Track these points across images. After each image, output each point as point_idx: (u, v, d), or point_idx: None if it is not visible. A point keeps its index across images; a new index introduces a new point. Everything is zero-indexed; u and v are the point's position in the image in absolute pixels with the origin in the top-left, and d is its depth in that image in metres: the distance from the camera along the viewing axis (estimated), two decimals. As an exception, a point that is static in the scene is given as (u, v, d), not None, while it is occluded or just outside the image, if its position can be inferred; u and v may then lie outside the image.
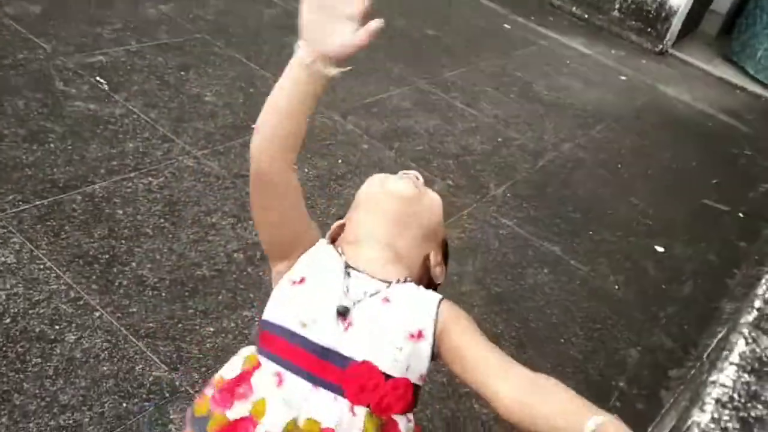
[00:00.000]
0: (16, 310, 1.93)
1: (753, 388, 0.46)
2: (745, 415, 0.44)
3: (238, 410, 1.02)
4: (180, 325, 2.04)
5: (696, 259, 3.18)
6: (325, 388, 1.02)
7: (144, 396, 1.82)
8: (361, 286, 1.09)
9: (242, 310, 2.15)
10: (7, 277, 2.01)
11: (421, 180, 1.32)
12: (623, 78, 5.13)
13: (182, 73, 3.29)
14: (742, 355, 0.48)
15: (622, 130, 4.24)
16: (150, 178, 2.56)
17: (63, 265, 2.10)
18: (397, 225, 1.20)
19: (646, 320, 2.69)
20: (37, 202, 2.29)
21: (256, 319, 2.12)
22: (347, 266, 1.12)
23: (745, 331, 0.51)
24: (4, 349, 1.82)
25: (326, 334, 1.03)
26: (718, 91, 5.50)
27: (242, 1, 4.28)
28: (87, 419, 1.72)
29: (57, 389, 1.77)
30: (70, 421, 1.70)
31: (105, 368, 1.86)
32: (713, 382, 0.45)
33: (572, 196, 3.36)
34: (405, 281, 1.14)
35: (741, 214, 3.69)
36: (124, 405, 1.78)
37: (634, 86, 5.05)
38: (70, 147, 2.57)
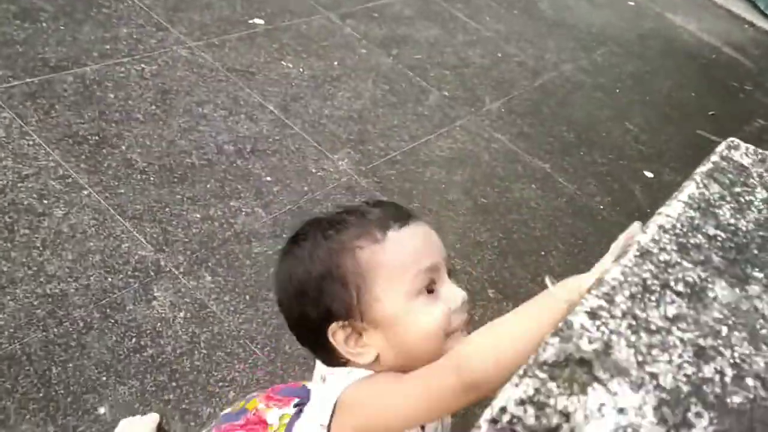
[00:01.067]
0: (4, 182, 1.94)
1: (696, 222, 0.48)
2: (684, 241, 0.46)
3: None
4: (167, 209, 2.06)
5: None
6: None
7: (129, 273, 1.86)
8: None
9: (229, 200, 2.17)
10: (-4, 149, 2.01)
11: None
12: (631, 3, 5.03)
13: (180, -38, 3.20)
14: (691, 196, 0.50)
15: (625, 55, 4.19)
16: (143, 65, 2.53)
17: (52, 142, 2.10)
18: None
19: (627, 240, 2.73)
20: (28, 80, 2.27)
21: (242, 209, 2.15)
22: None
23: (698, 178, 0.53)
24: (-8, 218, 1.84)
25: None
26: (726, 24, 5.41)
27: None
28: (73, 290, 1.76)
29: (44, 260, 1.80)
30: (57, 290, 1.75)
31: (92, 244, 1.89)
32: (659, 213, 0.47)
33: (567, 116, 3.35)
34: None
35: (733, 147, 3.69)
36: (110, 279, 1.82)
37: (641, 12, 4.96)
38: (62, 27, 2.53)
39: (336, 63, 2.99)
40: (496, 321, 0.79)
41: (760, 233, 0.50)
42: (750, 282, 0.45)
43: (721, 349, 0.39)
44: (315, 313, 0.92)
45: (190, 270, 1.92)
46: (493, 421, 0.38)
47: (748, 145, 0.58)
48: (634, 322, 0.39)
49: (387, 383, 0.89)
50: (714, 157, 0.55)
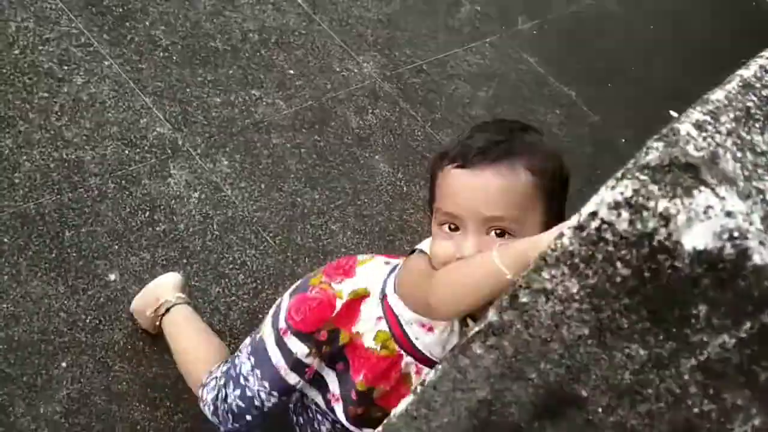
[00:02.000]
0: (25, 43, 1.90)
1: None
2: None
3: (393, 380, 1.17)
4: (188, 90, 2.02)
5: (707, 130, 3.15)
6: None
7: (146, 148, 1.83)
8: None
9: (251, 88, 2.13)
10: (18, 9, 1.95)
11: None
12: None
13: None
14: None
15: (663, -7, 4.05)
16: (172, -58, 2.44)
17: (75, 9, 2.04)
18: None
19: (645, 176, 2.70)
20: (53, -58, 2.19)
21: (263, 99, 2.11)
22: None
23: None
24: (11, 77, 1.81)
25: None
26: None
27: None
28: (89, 157, 1.75)
29: (62, 125, 1.78)
30: (73, 156, 1.73)
31: (110, 115, 1.86)
32: (761, 56, 0.44)
33: (599, 46, 3.26)
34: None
35: (762, 97, 3.62)
36: (126, 152, 1.80)
37: (684, -49, 4.77)
38: None
39: (369, -37, 2.88)
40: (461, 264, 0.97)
41: None
42: None
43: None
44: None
45: (207, 152, 1.90)
46: (580, 227, 0.36)
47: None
48: (739, 141, 0.36)
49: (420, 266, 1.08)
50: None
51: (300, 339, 1.19)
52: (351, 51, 2.43)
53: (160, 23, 2.15)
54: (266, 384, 1.23)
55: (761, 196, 0.33)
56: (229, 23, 2.28)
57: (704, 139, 0.35)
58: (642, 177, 0.34)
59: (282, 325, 1.22)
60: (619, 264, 0.35)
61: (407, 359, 1.15)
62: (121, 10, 2.12)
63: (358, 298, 1.18)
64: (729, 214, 0.32)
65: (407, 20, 2.71)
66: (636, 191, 0.33)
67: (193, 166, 1.85)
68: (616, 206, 0.34)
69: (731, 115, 0.37)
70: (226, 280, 1.67)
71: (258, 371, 1.23)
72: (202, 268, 1.67)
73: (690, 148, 0.34)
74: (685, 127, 0.35)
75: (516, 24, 3.07)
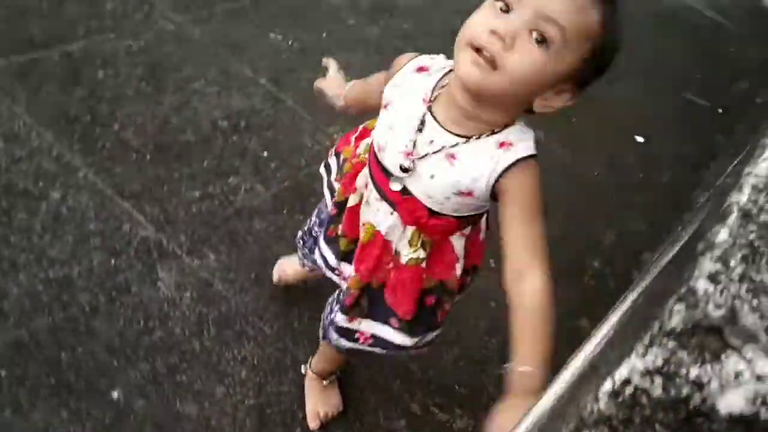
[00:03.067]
0: (-2, 165, 1.90)
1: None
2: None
3: (353, 200, 1.27)
4: (165, 188, 2.03)
5: (674, 150, 3.21)
6: (386, 203, 1.18)
7: (132, 254, 1.83)
8: (429, 140, 1.12)
9: (227, 177, 2.14)
10: (-14, 132, 1.96)
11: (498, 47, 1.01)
12: (614, -32, 5.00)
13: (160, -66, 3.12)
14: (775, 155, 0.49)
15: (610, 21, 4.17)
16: (130, 41, 2.47)
17: (44, 123, 2.05)
18: (473, 105, 1.07)
19: (622, 205, 2.74)
20: (13, 59, 2.20)
21: (241, 185, 2.12)
22: (424, 115, 1.12)
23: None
24: (-13, 202, 1.80)
25: (393, 165, 1.15)
26: (707, -13, 5.41)
27: None
28: (76, 273, 1.74)
29: (45, 244, 1.77)
30: (60, 274, 1.72)
31: (92, 226, 1.85)
32: (748, 173, 0.46)
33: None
34: (487, 135, 1.09)
35: (720, 110, 3.71)
36: (113, 261, 1.80)
37: (624, -23, 4.93)
38: (45, 3, 2.46)
39: (325, 34, 2.94)
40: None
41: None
42: None
43: (836, 310, 0.39)
44: None
45: (193, 249, 1.90)
46: (615, 394, 0.37)
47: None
48: (752, 286, 0.38)
49: None
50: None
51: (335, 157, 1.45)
52: (320, 124, 2.46)
53: (129, 125, 2.16)
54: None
55: (786, 349, 0.35)
56: (196, 115, 2.30)
57: (720, 293, 0.36)
58: (670, 344, 0.35)
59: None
60: (657, 426, 0.36)
61: (365, 170, 1.24)
62: (88, 117, 2.13)
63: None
64: (759, 378, 0.33)
65: (370, 85, 2.75)
66: (666, 360, 0.35)
67: (181, 266, 1.85)
68: (648, 373, 0.35)
69: (739, 256, 0.39)
70: (229, 378, 1.66)
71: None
72: (204, 371, 1.66)
73: (710, 308, 0.35)
74: (701, 285, 0.36)
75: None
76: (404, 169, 1.13)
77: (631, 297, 0.65)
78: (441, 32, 3.25)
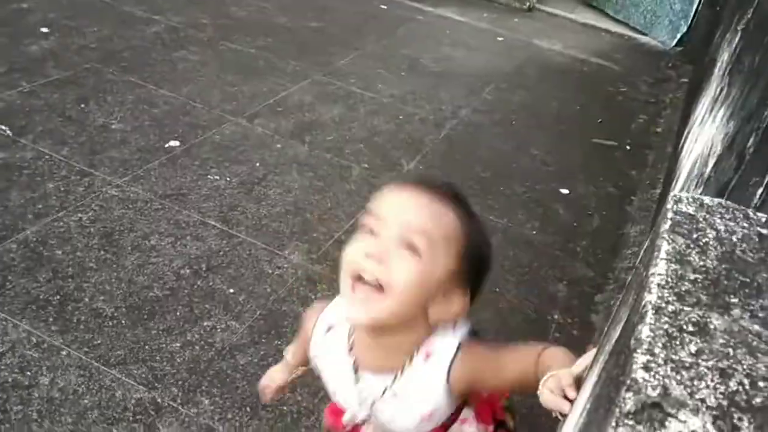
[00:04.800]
0: (-17, 365, 1.96)
1: (679, 272, 0.65)
2: (678, 290, 0.62)
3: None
4: (147, 347, 2.12)
5: (597, 194, 3.49)
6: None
7: (131, 418, 1.90)
8: (371, 387, 1.21)
9: (202, 321, 2.25)
10: (-36, 336, 2.03)
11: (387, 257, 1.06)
12: (500, 39, 5.43)
13: (82, 105, 3.29)
14: (667, 251, 0.67)
15: (510, 88, 4.52)
16: (79, 215, 2.59)
17: (17, 313, 2.13)
18: (381, 336, 1.16)
19: (565, 256, 2.96)
20: (-26, 259, 2.29)
21: (216, 326, 2.23)
22: (355, 369, 1.22)
23: (666, 235, 0.70)
24: (-18, 405, 1.86)
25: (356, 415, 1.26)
26: (585, 37, 5.91)
27: (121, 24, 4.26)
28: (83, 451, 1.80)
29: (45, 431, 1.83)
30: (68, 457, 1.78)
31: (86, 401, 1.92)
32: (652, 274, 0.64)
33: (478, 157, 3.60)
34: (413, 356, 1.16)
35: (628, 146, 4.04)
36: (114, 431, 1.86)
37: (511, 45, 5.36)
38: (-9, 198, 2.57)
39: (258, 164, 3.13)
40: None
41: (723, 266, 0.67)
42: (731, 308, 0.62)
43: (735, 365, 0.56)
44: None
45: (186, 399, 1.98)
46: (602, 463, 0.53)
47: (687, 195, 0.76)
48: (674, 365, 0.54)
49: None
50: (669, 214, 0.72)
51: None
52: (275, 249, 2.61)
53: (99, 294, 2.26)
54: None
55: (704, 405, 0.51)
56: (158, 268, 2.42)
57: (653, 377, 0.52)
58: (629, 422, 0.51)
59: None
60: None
61: None
62: (58, 297, 2.22)
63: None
64: None
65: (311, 201, 2.93)
66: (630, 433, 0.50)
67: (180, 418, 1.93)
68: (621, 445, 0.51)
69: (660, 344, 0.56)
70: None
71: None
72: None
73: (649, 391, 0.51)
74: (639, 375, 0.52)
75: (403, 166, 3.36)
76: (365, 420, 1.26)
77: (596, 371, 0.81)
78: (362, 137, 3.52)
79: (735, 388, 0.53)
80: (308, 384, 1.98)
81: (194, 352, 2.13)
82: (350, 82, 4.09)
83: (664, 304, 0.60)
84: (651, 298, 0.61)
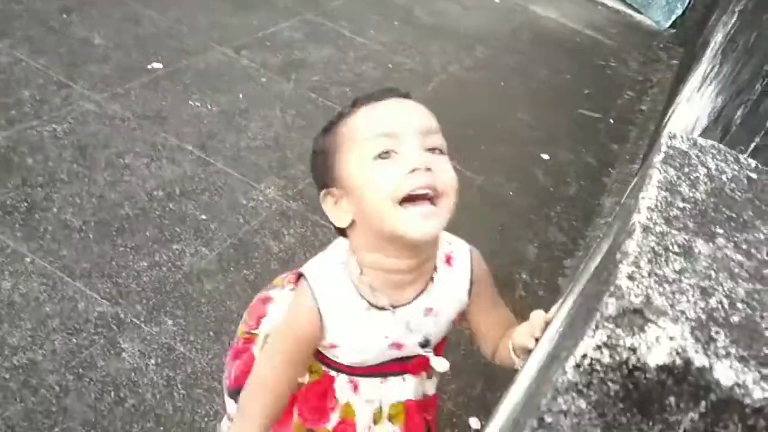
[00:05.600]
0: (-57, 263, 1.92)
1: (669, 199, 0.64)
2: (667, 215, 0.62)
3: (333, 420, 1.19)
4: (113, 263, 2.09)
5: (577, 163, 3.50)
6: (393, 376, 1.18)
7: (92, 330, 1.89)
8: (411, 315, 1.11)
9: (171, 243, 2.22)
10: (-74, 232, 1.98)
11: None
12: (497, 1, 5.37)
13: (65, 16, 3.19)
14: (659, 180, 0.67)
15: (502, 50, 4.48)
16: (54, 125, 2.53)
17: (-18, 216, 2.09)
18: (415, 257, 1.06)
19: (539, 220, 2.97)
20: (-59, 157, 2.23)
21: (186, 250, 2.21)
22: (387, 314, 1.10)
23: (659, 166, 0.70)
24: (-60, 301, 1.83)
25: (411, 351, 1.16)
26: (582, 8, 5.86)
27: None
28: (40, 357, 1.78)
29: (4, 333, 1.81)
30: (25, 360, 1.76)
31: (48, 309, 1.90)
32: (642, 198, 0.64)
33: (463, 114, 3.57)
34: (436, 271, 1.12)
35: (612, 120, 4.05)
36: (74, 340, 1.85)
37: (507, 8, 5.30)
38: (-37, 99, 2.49)
39: (241, 95, 3.07)
40: None
41: (712, 199, 0.67)
42: (716, 237, 0.62)
43: (715, 286, 0.56)
44: (316, 184, 1.09)
45: (150, 317, 1.97)
46: (577, 366, 0.53)
47: (682, 134, 0.76)
48: (657, 278, 0.54)
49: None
50: (663, 148, 0.72)
51: (235, 399, 1.24)
52: (251, 181, 2.58)
53: (68, 206, 2.22)
54: None
55: (684, 316, 0.51)
56: (131, 187, 2.38)
57: (637, 286, 0.52)
58: (609, 325, 0.50)
59: (225, 386, 1.33)
60: (610, 383, 0.51)
61: (340, 378, 1.17)
62: (26, 204, 2.18)
63: None
64: (671, 338, 0.49)
65: (291, 138, 2.90)
66: (609, 336, 0.50)
67: (141, 335, 1.92)
68: (597, 348, 0.51)
69: (645, 259, 0.56)
70: (206, 434, 1.74)
71: None
72: (180, 430, 1.73)
73: (632, 298, 0.51)
74: (623, 283, 0.52)
75: (387, 114, 3.32)
76: (424, 345, 1.14)
77: (571, 298, 0.81)
78: (349, 81, 3.47)
79: (714, 306, 0.53)
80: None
81: (161, 272, 2.11)
82: (342, 25, 4.02)
83: (652, 225, 0.60)
84: (640, 218, 0.61)
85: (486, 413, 1.93)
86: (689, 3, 5.61)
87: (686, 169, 0.70)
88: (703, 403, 0.49)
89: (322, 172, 1.06)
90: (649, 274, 0.54)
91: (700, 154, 0.74)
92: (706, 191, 0.68)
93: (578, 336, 0.54)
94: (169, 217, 2.32)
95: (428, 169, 0.97)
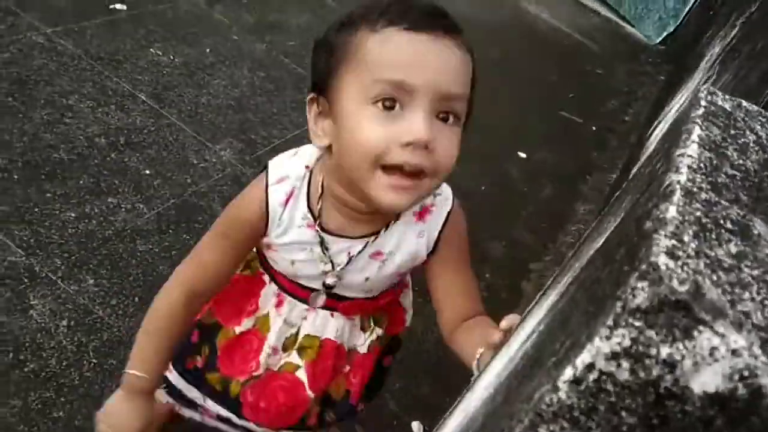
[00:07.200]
0: None
1: (714, 162, 0.47)
2: (713, 180, 0.44)
3: (245, 325, 1.14)
4: (37, 210, 1.87)
5: (554, 165, 3.34)
6: (323, 310, 1.10)
7: (-1, 281, 1.66)
8: (342, 251, 1.02)
9: (106, 196, 2.00)
10: None
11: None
12: (489, -8, 5.20)
13: (25, -59, 2.93)
14: (700, 137, 0.49)
15: (487, 42, 4.30)
16: (-7, 53, 2.28)
17: None
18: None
19: (509, 218, 2.81)
20: None
21: (121, 205, 1.99)
22: (320, 240, 1.00)
23: (699, 120, 0.52)
24: None
25: (314, 285, 1.08)
26: (574, 12, 5.72)
27: None
28: (-67, 304, 1.56)
29: None
30: None
31: (-49, 252, 1.67)
32: (681, 154, 0.46)
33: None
34: (395, 219, 1.01)
35: (593, 127, 3.91)
36: (-24, 290, 1.62)
37: (498, 1, 5.13)
38: None
39: (208, 50, 2.85)
40: None
41: (765, 173, 0.50)
42: (777, 219, 0.44)
43: (785, 283, 0.38)
44: (311, 77, 0.93)
45: (69, 274, 1.75)
46: (577, 381, 0.34)
47: (720, 92, 0.58)
48: (709, 262, 0.36)
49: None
50: (702, 102, 0.54)
51: None
52: (206, 141, 2.37)
53: (-6, 142, 1.99)
54: None
55: (750, 321, 0.33)
56: (71, 131, 2.15)
57: (682, 268, 0.34)
58: (637, 323, 0.32)
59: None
60: (623, 413, 0.33)
61: (270, 287, 1.11)
62: (-55, 133, 1.94)
63: None
64: (734, 352, 0.31)
65: (256, 102, 2.69)
66: (634, 340, 0.32)
67: (56, 292, 1.70)
68: (614, 357, 0.33)
69: (690, 232, 0.38)
70: (114, 411, 1.53)
71: None
72: (84, 404, 1.52)
73: (675, 284, 0.33)
74: (662, 260, 0.34)
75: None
76: (328, 286, 1.06)
77: (554, 292, 0.63)
78: (327, 49, 3.25)
79: (789, 310, 0.36)
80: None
81: (90, 226, 1.89)
82: (326, -6, 3.81)
83: (696, 189, 0.42)
84: (680, 178, 0.42)
85: (431, 418, 1.75)
86: (683, 20, 5.51)
87: (732, 131, 0.52)
88: (773, 457, 0.31)
89: (319, 70, 0.90)
90: (697, 255, 0.36)
91: (746, 118, 0.56)
92: (759, 161, 0.50)
93: (582, 336, 0.35)
94: (109, 167, 2.09)
95: (427, 147, 0.82)
